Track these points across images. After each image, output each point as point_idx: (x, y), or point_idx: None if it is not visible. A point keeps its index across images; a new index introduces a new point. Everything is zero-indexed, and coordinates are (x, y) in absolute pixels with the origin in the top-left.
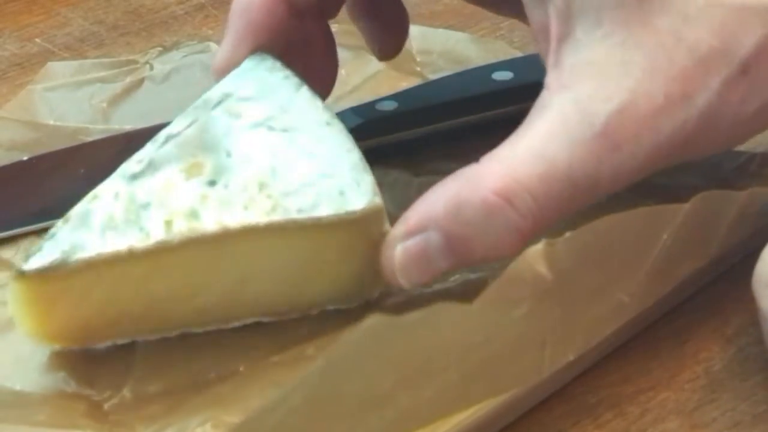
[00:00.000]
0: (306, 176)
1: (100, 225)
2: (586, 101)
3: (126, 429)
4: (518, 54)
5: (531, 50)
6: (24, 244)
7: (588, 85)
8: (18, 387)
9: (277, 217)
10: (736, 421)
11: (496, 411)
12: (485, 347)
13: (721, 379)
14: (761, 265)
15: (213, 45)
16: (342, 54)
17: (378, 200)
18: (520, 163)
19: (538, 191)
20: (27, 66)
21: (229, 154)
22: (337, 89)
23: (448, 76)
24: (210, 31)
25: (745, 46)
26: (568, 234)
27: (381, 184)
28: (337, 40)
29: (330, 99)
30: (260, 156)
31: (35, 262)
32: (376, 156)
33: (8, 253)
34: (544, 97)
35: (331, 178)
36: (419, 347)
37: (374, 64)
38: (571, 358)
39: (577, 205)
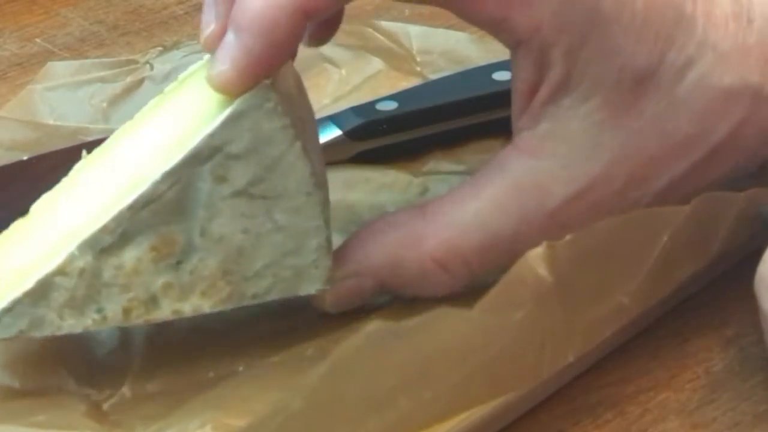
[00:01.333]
0: (270, 255)
1: (59, 302)
2: (546, 179)
3: (125, 429)
4: None
5: None
6: None
7: (553, 163)
8: (17, 386)
9: (230, 305)
10: (736, 421)
11: (496, 411)
12: (485, 350)
13: (722, 379)
14: (763, 266)
15: None
16: (342, 54)
17: (328, 287)
18: (463, 231)
19: (474, 261)
20: (27, 66)
21: (202, 233)
22: (337, 89)
23: (449, 77)
24: None
25: (720, 132)
26: (568, 237)
27: (381, 184)
28: (337, 40)
29: (329, 99)
30: (231, 236)
31: None
32: (376, 156)
33: None
34: (507, 155)
35: (294, 256)
36: (420, 352)
37: (374, 64)
38: (571, 359)
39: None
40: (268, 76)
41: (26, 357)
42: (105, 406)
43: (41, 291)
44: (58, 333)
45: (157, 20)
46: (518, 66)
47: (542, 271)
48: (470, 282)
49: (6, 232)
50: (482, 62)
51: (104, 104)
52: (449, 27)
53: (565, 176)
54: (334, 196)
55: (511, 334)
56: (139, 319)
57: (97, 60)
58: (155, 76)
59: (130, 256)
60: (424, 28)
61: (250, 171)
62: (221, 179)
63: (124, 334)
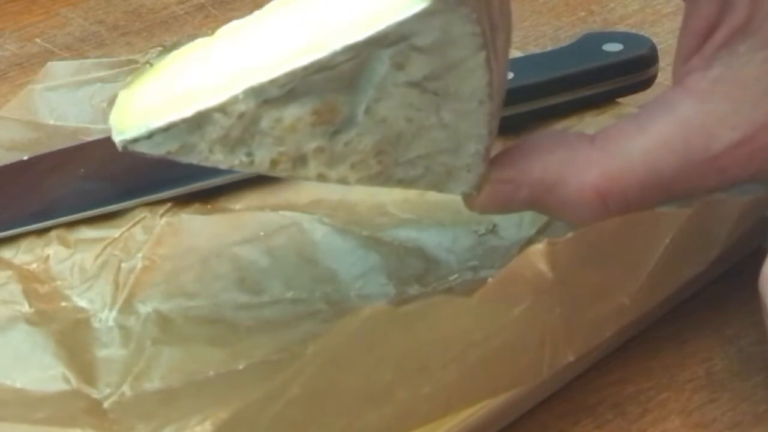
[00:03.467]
0: (427, 148)
1: (213, 137)
2: (714, 122)
3: (125, 427)
4: (518, 54)
5: (531, 50)
6: (24, 244)
7: (722, 106)
8: (18, 385)
9: (376, 183)
10: (736, 421)
11: (496, 411)
12: (485, 345)
13: (722, 379)
14: None
15: None
16: None
17: (476, 192)
18: (629, 165)
19: (633, 196)
20: (27, 66)
21: (367, 111)
22: None
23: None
24: (210, 31)
25: None
26: (570, 234)
27: None
28: None
29: None
30: (394, 121)
31: (142, 147)
32: None
33: (8, 253)
34: (675, 95)
35: (450, 155)
36: (418, 342)
37: None
38: (571, 358)
39: (659, 204)
40: None
41: (26, 356)
42: (105, 405)
43: (198, 122)
44: (205, 163)
45: (157, 20)
46: (699, 3)
47: (542, 266)
48: (621, 215)
49: (187, 47)
50: None
51: (104, 104)
52: None
53: (732, 121)
54: (334, 196)
55: (510, 329)
56: (284, 172)
57: (97, 60)
58: None
59: (291, 113)
60: None
61: (429, 66)
62: (399, 66)
63: (125, 333)
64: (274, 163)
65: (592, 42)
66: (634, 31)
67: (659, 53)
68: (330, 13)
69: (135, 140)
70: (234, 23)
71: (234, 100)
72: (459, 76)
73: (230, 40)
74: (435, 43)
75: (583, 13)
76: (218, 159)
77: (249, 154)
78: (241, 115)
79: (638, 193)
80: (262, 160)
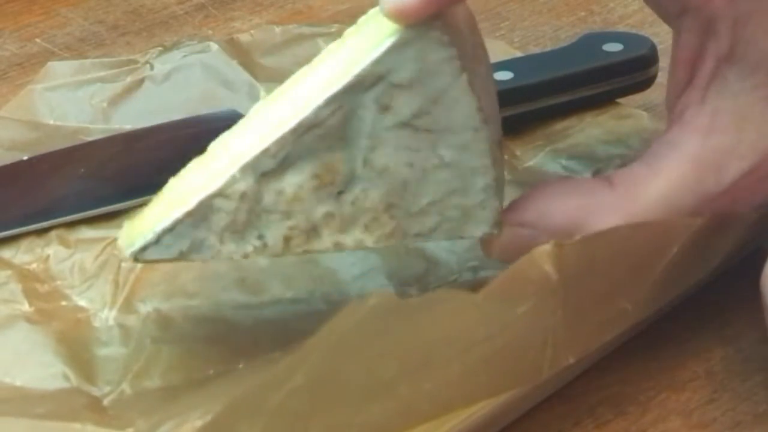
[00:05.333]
0: (435, 192)
1: (220, 226)
2: (721, 155)
3: (125, 421)
4: (518, 54)
5: (531, 50)
6: (24, 244)
7: (726, 139)
8: (18, 383)
9: (393, 241)
10: (736, 421)
11: (497, 411)
12: (487, 343)
13: (722, 379)
14: None
15: (213, 45)
16: None
17: (496, 231)
18: (648, 208)
19: None
20: (27, 66)
21: (365, 163)
22: None
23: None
24: (210, 31)
25: None
26: (578, 237)
27: None
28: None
29: None
30: (395, 168)
31: (152, 253)
32: None
33: (8, 253)
34: (679, 131)
35: (460, 195)
36: (422, 337)
37: None
38: (572, 360)
39: None
40: (447, 5)
41: (27, 353)
42: (105, 402)
43: (202, 213)
44: (218, 258)
45: (157, 20)
46: (682, 34)
47: (548, 268)
48: None
49: (183, 170)
50: None
51: (104, 104)
52: None
53: (739, 152)
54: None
55: (513, 328)
56: (299, 248)
57: (97, 60)
58: (155, 76)
59: (291, 182)
60: None
61: (415, 102)
62: (385, 108)
63: (125, 332)
64: (287, 240)
65: (592, 42)
66: (634, 31)
67: (659, 53)
68: (312, 84)
69: (144, 248)
70: (223, 135)
71: (232, 181)
72: (447, 107)
73: (222, 144)
74: (414, 76)
75: (583, 13)
76: (231, 250)
77: (260, 237)
78: (243, 196)
79: None
80: (275, 240)
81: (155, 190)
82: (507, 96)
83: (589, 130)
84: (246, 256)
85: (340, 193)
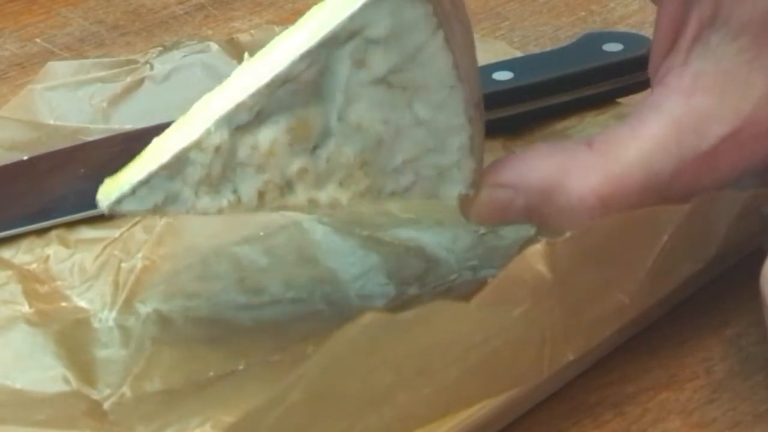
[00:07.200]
0: (410, 150)
1: (195, 179)
2: (702, 118)
3: (125, 428)
4: (518, 54)
5: (531, 50)
6: (24, 244)
7: (708, 100)
8: (18, 385)
9: (368, 199)
10: (736, 421)
11: (496, 411)
12: (484, 347)
13: (722, 379)
14: None
15: (213, 45)
16: None
17: (471, 192)
18: (628, 169)
19: (634, 202)
20: (27, 66)
21: (340, 118)
22: None
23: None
24: (210, 31)
25: None
26: (568, 234)
27: None
28: None
29: None
30: (370, 125)
31: (127, 205)
32: None
33: (8, 253)
34: (661, 93)
35: (435, 154)
36: (418, 346)
37: None
38: (571, 357)
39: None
40: None
41: (26, 356)
42: (105, 406)
43: (177, 165)
44: (193, 212)
45: (157, 20)
46: (666, 1)
47: (541, 267)
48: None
49: (166, 130)
50: (482, 62)
51: (104, 104)
52: None
53: (719, 114)
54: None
55: (510, 330)
56: (274, 203)
57: (97, 60)
58: (155, 76)
59: (265, 136)
60: None
61: (390, 58)
62: (360, 63)
63: (124, 333)
64: (261, 195)
65: (592, 42)
66: (634, 31)
67: None
68: (291, 41)
69: (119, 200)
70: (205, 96)
71: (207, 134)
72: (423, 64)
73: (201, 103)
74: (390, 32)
75: (583, 13)
76: (206, 203)
77: (235, 191)
78: (218, 149)
79: (638, 198)
80: (249, 194)
81: None
82: (507, 96)
83: (589, 130)
84: (221, 210)
85: (314, 148)
